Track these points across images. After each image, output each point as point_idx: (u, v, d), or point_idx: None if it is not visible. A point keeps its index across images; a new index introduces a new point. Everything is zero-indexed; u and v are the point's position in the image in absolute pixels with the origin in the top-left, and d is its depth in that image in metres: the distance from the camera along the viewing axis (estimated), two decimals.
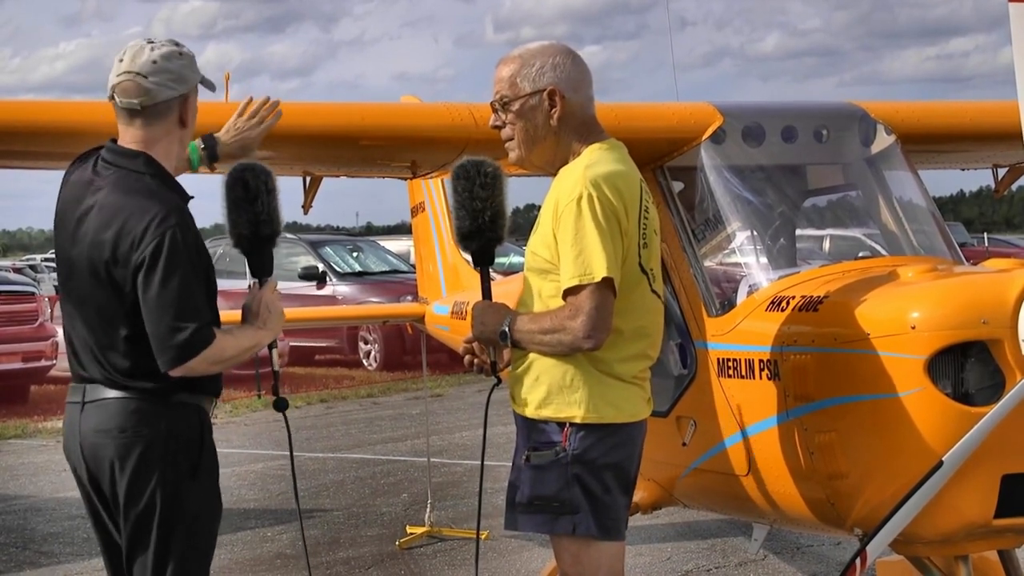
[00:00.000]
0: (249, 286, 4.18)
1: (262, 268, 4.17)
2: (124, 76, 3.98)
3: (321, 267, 19.98)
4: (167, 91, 3.98)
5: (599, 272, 3.95)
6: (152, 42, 4.03)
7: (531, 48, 4.24)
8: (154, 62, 3.98)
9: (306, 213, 6.16)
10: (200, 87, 4.14)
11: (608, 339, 4.01)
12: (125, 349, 3.89)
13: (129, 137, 4.02)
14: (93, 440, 3.92)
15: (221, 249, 15.32)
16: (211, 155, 4.37)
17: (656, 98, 6.39)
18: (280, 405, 4.29)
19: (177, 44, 4.06)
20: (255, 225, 4.10)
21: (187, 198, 4.05)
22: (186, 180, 4.23)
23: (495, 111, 4.26)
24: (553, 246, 4.05)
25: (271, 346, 4.23)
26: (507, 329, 4.11)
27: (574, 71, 4.20)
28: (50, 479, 10.76)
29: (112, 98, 4.02)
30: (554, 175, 4.21)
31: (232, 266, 15.54)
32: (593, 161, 4.10)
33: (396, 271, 21.04)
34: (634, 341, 4.13)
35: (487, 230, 4.24)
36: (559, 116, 4.17)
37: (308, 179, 6.03)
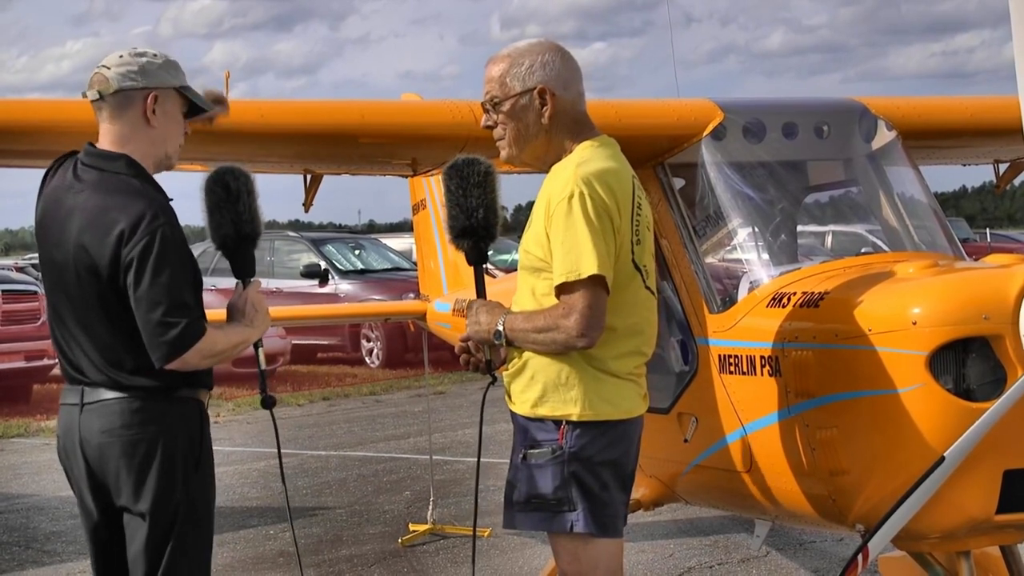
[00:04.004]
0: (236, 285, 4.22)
1: (245, 269, 4.21)
2: (94, 72, 4.07)
3: (323, 265, 19.99)
4: (127, 81, 4.02)
5: (588, 269, 3.94)
6: (140, 49, 4.10)
7: (520, 47, 4.23)
8: (120, 56, 4.07)
9: (307, 211, 6.17)
10: (201, 107, 4.17)
11: (602, 336, 4.01)
12: (123, 348, 3.91)
13: (104, 136, 4.07)
14: (99, 441, 3.94)
15: None
16: None
17: (661, 94, 6.38)
18: (267, 403, 4.30)
19: (161, 55, 4.09)
20: (238, 225, 4.13)
21: (168, 199, 4.08)
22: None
23: (486, 111, 4.26)
24: (546, 244, 4.05)
25: (256, 345, 4.26)
26: (501, 328, 4.11)
27: (564, 68, 4.20)
28: (53, 478, 10.74)
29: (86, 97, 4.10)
30: (546, 172, 4.22)
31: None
32: (585, 159, 4.10)
33: (398, 269, 21.03)
34: (628, 338, 4.12)
35: (480, 228, 4.25)
36: (550, 114, 4.16)
37: (309, 177, 6.03)
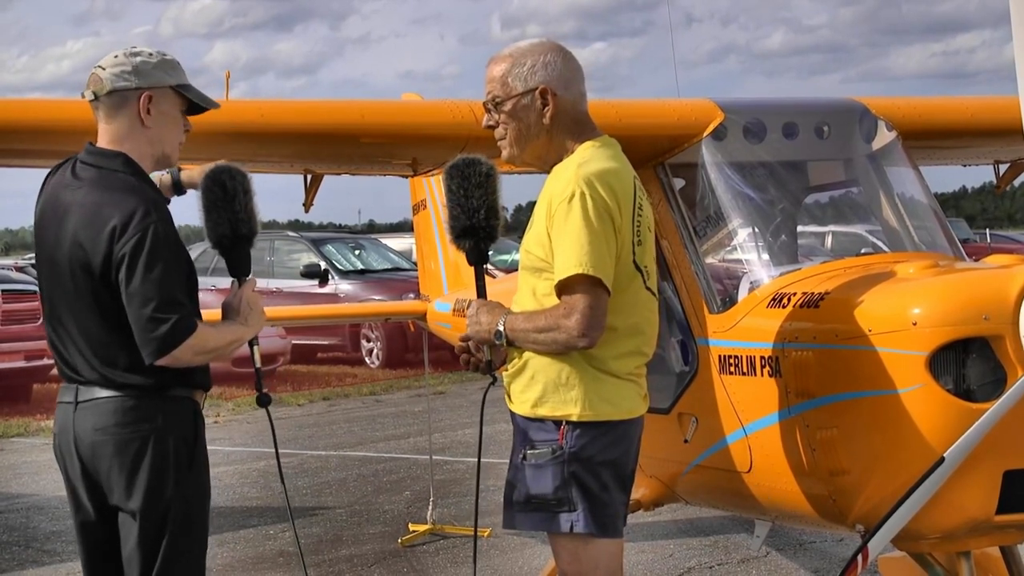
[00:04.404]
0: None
1: (240, 268, 4.21)
2: (91, 73, 4.08)
3: (323, 265, 19.99)
4: (120, 81, 4.03)
5: (588, 269, 3.94)
6: (137, 48, 4.11)
7: (521, 47, 4.23)
8: (115, 56, 4.08)
9: (307, 211, 6.17)
10: (197, 104, 4.17)
11: (603, 337, 4.01)
12: (116, 345, 3.91)
13: (102, 136, 4.09)
14: (92, 439, 3.95)
15: None
16: (175, 183, 4.43)
17: (661, 95, 6.39)
18: (262, 401, 4.30)
19: (158, 54, 4.10)
20: (234, 224, 4.12)
21: (166, 199, 4.09)
22: None
23: (488, 111, 4.26)
24: (547, 244, 4.05)
25: (252, 343, 4.26)
26: (502, 328, 4.11)
27: (565, 68, 4.20)
28: (53, 478, 10.73)
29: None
30: (548, 172, 4.22)
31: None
32: (586, 159, 4.10)
33: (398, 269, 21.03)
34: (629, 338, 4.12)
35: (481, 228, 4.24)
36: (552, 114, 4.16)
37: (309, 177, 6.03)
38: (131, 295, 3.84)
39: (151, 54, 4.09)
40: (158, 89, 4.06)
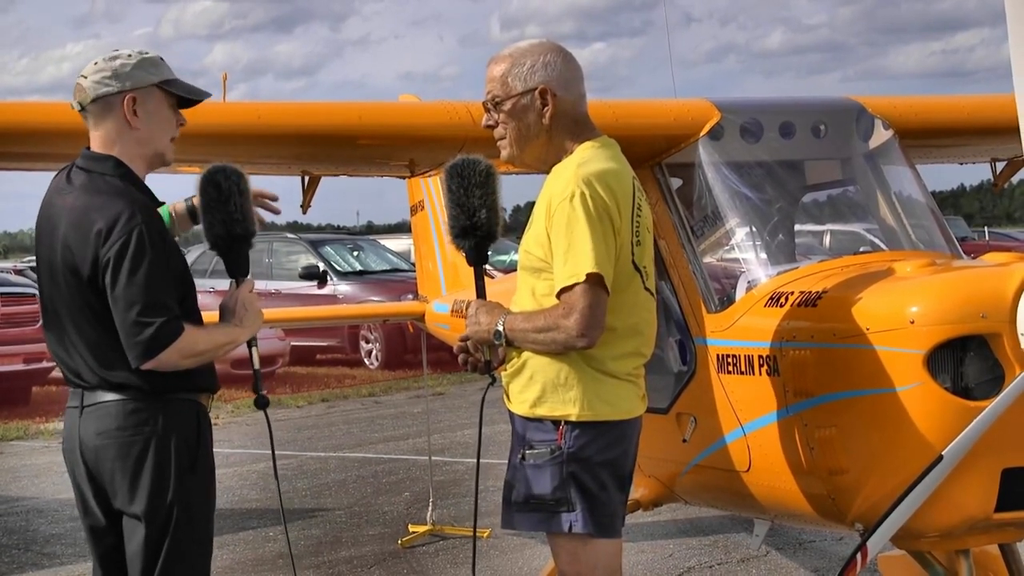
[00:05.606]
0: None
1: (238, 268, 4.20)
2: (76, 82, 4.08)
3: (322, 266, 19.99)
4: (102, 88, 4.02)
5: (588, 269, 3.94)
6: (116, 51, 4.10)
7: (521, 47, 4.24)
8: (95, 63, 4.06)
9: (305, 212, 6.17)
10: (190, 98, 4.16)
11: (602, 337, 4.01)
12: (112, 349, 3.91)
13: (93, 142, 4.08)
14: (95, 443, 3.96)
15: None
16: (190, 212, 4.42)
17: (660, 94, 6.40)
18: (260, 403, 4.29)
19: (137, 54, 4.07)
20: (228, 225, 4.12)
21: (157, 202, 4.08)
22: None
23: (487, 111, 4.26)
24: (546, 244, 4.05)
25: (251, 344, 4.24)
26: (501, 328, 4.12)
27: (565, 69, 4.20)
28: (52, 480, 10.76)
29: None
30: (547, 173, 4.22)
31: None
32: (585, 159, 4.10)
33: (397, 270, 21.04)
34: (627, 338, 4.13)
35: (481, 229, 4.24)
36: (551, 115, 4.16)
37: (307, 178, 6.03)
38: (116, 299, 3.84)
39: (130, 55, 4.07)
40: (141, 89, 4.04)
